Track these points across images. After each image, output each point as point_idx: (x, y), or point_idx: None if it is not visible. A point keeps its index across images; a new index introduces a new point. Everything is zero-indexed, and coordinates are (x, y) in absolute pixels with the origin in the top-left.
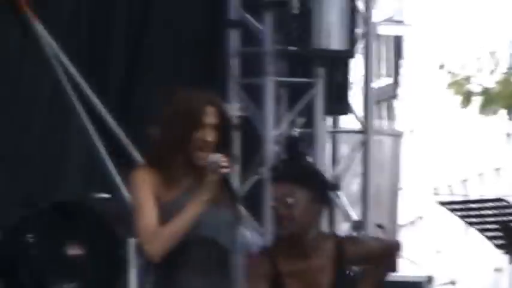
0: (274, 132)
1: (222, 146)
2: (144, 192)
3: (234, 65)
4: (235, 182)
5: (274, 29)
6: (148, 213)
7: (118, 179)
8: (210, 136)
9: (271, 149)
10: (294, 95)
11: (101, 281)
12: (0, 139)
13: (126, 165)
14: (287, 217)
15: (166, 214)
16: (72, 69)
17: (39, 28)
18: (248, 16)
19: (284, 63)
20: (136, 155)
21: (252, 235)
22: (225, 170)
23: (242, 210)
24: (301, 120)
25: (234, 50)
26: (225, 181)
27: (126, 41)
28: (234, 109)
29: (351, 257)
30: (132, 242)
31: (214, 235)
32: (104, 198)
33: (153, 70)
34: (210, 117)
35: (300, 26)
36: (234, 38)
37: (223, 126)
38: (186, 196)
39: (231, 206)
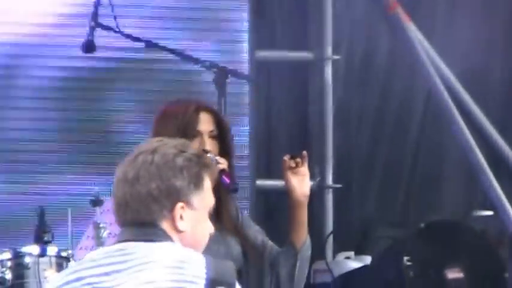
0: None
1: (222, 155)
2: None
3: None
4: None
5: None
6: None
7: (500, 195)
8: (206, 145)
9: None
10: None
11: None
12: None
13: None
14: None
15: None
16: (447, 72)
17: (411, 28)
18: None
19: None
20: None
21: None
22: (220, 166)
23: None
24: None
25: None
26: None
27: None
28: None
29: None
30: None
31: None
32: (486, 216)
33: None
34: (205, 124)
35: None
36: None
37: (221, 133)
38: None
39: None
